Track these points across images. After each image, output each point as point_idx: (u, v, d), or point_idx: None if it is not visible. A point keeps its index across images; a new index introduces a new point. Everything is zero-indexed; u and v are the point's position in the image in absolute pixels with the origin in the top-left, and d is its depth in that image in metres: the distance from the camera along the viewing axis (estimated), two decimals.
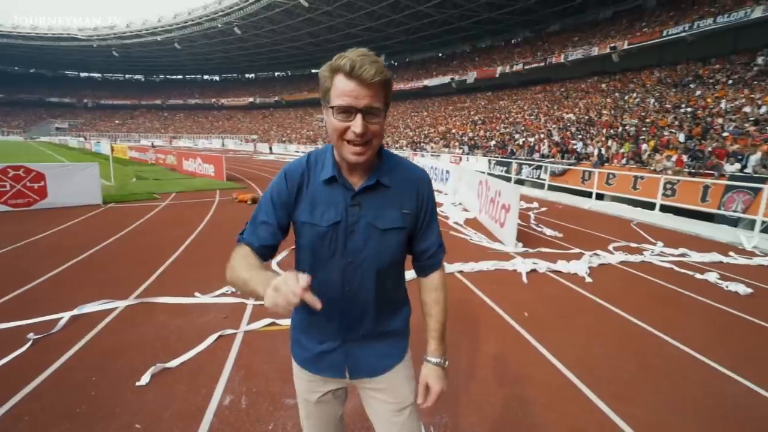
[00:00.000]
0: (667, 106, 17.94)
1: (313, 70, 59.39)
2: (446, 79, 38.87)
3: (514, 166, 15.54)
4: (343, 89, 0.87)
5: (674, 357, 2.92)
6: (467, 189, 9.21)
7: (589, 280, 4.45)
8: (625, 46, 24.72)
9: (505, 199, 6.06)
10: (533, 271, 4.67)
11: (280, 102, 60.47)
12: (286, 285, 0.69)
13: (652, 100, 19.52)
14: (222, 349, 2.81)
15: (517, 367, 2.71)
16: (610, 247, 5.81)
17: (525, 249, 5.54)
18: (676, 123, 15.15)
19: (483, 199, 7.53)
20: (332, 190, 1.00)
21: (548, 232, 6.83)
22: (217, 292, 3.77)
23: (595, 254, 5.34)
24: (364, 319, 1.07)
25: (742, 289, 4.16)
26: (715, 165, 10.15)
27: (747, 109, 13.86)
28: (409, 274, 1.24)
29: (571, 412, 2.26)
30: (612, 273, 4.78)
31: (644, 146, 13.76)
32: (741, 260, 5.40)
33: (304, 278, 0.70)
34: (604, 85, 25.44)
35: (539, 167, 14.56)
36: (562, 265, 4.79)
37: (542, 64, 29.87)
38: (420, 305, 1.16)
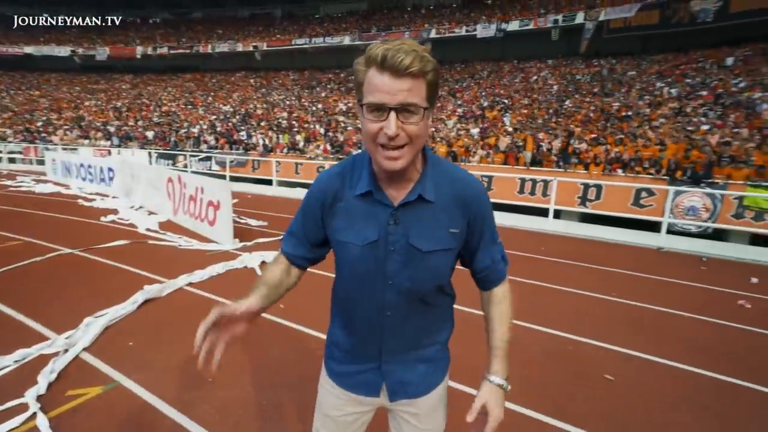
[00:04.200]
0: (305, 104, 21.99)
1: None
2: (65, 50, 29.72)
3: (181, 158, 14.70)
4: (375, 84, 0.76)
5: None
6: (149, 189, 7.89)
7: None
8: (265, 47, 27.69)
9: (211, 196, 5.78)
10: (263, 263, 4.87)
11: None
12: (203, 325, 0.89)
13: (294, 98, 23.30)
14: None
15: (295, 353, 2.96)
16: None
17: (243, 243, 5.59)
18: (315, 119, 18.94)
19: (177, 198, 6.78)
20: (369, 205, 0.89)
21: (253, 222, 7.08)
22: None
23: None
24: (406, 344, 0.99)
25: None
26: (349, 153, 13.69)
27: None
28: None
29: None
30: None
31: (298, 137, 16.41)
32: None
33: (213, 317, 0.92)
34: (252, 80, 27.73)
35: (209, 158, 14.49)
36: None
37: (189, 51, 28.61)
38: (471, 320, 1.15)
